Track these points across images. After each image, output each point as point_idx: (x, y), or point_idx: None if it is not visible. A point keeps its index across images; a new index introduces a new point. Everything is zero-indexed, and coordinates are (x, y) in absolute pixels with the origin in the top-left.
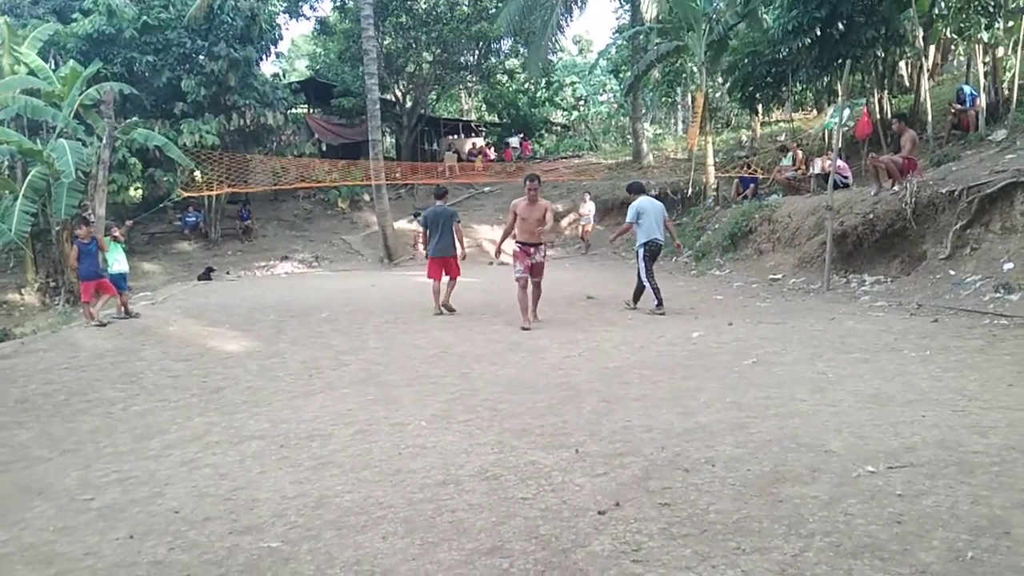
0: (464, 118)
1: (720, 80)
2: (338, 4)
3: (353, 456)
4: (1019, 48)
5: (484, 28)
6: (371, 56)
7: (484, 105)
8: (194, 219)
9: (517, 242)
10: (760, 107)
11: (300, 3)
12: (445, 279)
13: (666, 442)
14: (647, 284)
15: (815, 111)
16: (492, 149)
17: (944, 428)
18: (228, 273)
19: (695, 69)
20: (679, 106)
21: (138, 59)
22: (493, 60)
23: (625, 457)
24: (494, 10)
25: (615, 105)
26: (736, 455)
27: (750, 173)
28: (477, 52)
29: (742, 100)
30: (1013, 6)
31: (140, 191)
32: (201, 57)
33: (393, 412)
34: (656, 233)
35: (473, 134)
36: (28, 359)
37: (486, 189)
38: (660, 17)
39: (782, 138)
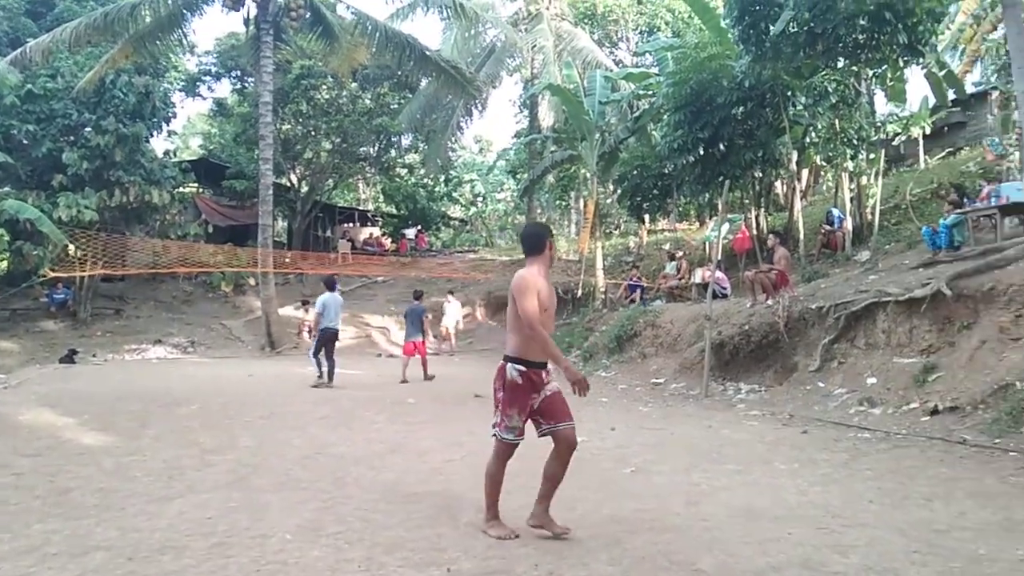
0: (360, 207)
1: (611, 188)
2: (237, 87)
3: (205, 574)
4: (879, 177)
5: (385, 122)
6: (267, 142)
7: (382, 195)
8: (63, 296)
9: (518, 362)
10: (647, 216)
11: (198, 83)
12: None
13: (541, 559)
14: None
15: (698, 223)
16: (388, 239)
17: (808, 547)
18: (94, 356)
19: (588, 176)
20: (572, 210)
21: (18, 127)
22: (393, 153)
23: None
24: (396, 106)
25: (512, 204)
26: (609, 574)
27: (637, 278)
28: (377, 144)
29: (631, 209)
30: (875, 139)
31: (5, 263)
32: (87, 130)
33: (257, 521)
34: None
35: (369, 223)
36: None
37: (379, 279)
38: (556, 126)
39: (667, 247)
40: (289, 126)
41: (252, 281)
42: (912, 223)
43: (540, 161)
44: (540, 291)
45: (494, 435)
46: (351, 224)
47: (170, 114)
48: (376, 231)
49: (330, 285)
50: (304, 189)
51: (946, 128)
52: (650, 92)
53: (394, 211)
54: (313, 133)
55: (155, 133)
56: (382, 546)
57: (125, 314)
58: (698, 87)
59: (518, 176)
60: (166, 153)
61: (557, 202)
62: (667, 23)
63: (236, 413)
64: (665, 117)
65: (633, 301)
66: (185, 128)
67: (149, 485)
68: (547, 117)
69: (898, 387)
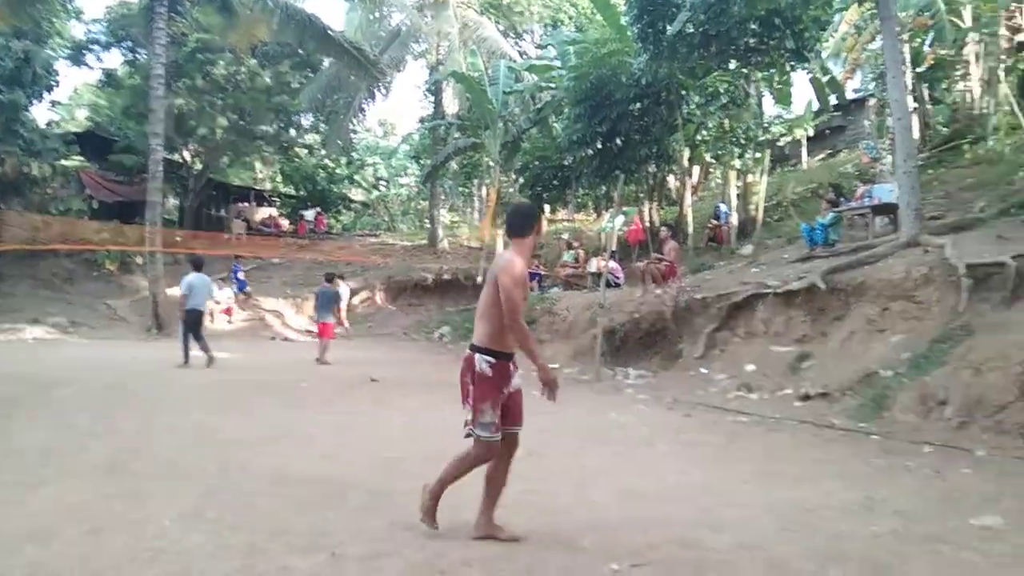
0: (257, 187)
1: (513, 177)
2: (128, 59)
3: (75, 561)
4: (764, 176)
5: (285, 101)
6: (158, 116)
7: (280, 176)
8: None
9: (488, 353)
10: (547, 206)
11: (85, 52)
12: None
13: (427, 542)
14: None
15: (595, 214)
16: (286, 221)
17: (685, 525)
18: None
19: (491, 165)
20: (475, 197)
21: None
22: (292, 133)
23: (383, 559)
24: (297, 85)
25: (415, 189)
26: (494, 554)
27: (535, 266)
28: (276, 123)
29: (532, 198)
30: (763, 139)
31: None
32: None
33: (134, 507)
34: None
35: (266, 203)
36: None
37: (275, 261)
38: (460, 113)
39: (565, 236)
40: (183, 101)
41: (139, 260)
42: (792, 220)
43: (444, 147)
44: (521, 272)
45: (468, 434)
46: (247, 204)
47: (52, 82)
48: (274, 212)
49: (197, 265)
50: (198, 166)
51: (827, 131)
52: (552, 85)
53: (292, 192)
54: (208, 109)
55: (35, 101)
56: (265, 532)
57: None
58: (598, 82)
59: (422, 161)
60: (49, 124)
61: (460, 189)
62: (571, 18)
63: (117, 396)
64: (566, 110)
65: (532, 288)
66: (71, 99)
67: (17, 469)
68: (452, 104)
69: (774, 374)
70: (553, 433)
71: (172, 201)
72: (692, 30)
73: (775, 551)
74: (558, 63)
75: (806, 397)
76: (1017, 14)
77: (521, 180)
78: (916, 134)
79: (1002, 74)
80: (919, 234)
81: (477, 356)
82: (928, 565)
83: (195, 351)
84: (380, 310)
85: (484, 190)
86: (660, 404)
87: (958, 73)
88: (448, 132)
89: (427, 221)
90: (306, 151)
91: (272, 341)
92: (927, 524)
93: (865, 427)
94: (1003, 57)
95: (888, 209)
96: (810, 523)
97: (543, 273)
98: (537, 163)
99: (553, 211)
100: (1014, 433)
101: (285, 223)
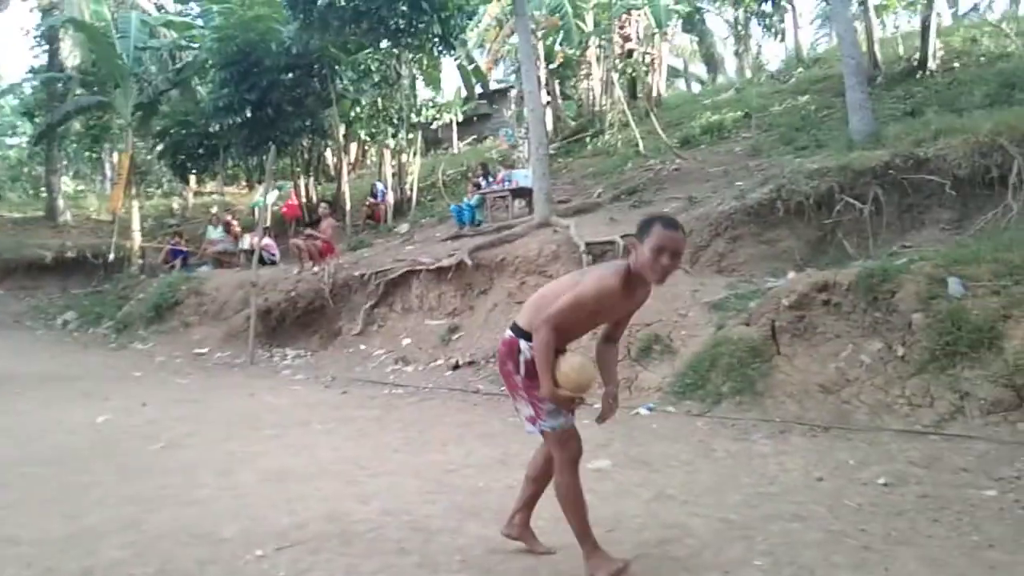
0: None
1: (152, 143)
2: None
3: None
4: (418, 156)
5: None
6: None
7: None
8: None
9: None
10: (193, 177)
11: None
12: None
13: (36, 556)
14: None
15: (247, 187)
16: None
17: (334, 500)
18: None
19: (123, 127)
20: (106, 164)
21: None
22: None
23: None
24: None
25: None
26: (120, 559)
27: (178, 243)
28: None
29: (174, 167)
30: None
31: None
32: None
33: None
34: None
35: None
36: None
37: None
38: (83, 67)
39: (214, 210)
40: None
41: None
42: (444, 200)
43: (63, 105)
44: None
45: (543, 430)
46: None
47: None
48: None
49: None
50: None
51: (475, 118)
52: (195, 44)
53: None
54: None
55: None
56: None
57: None
58: (245, 46)
59: (36, 119)
60: None
61: (87, 154)
62: None
63: None
64: (211, 73)
65: (174, 267)
66: None
67: None
68: (72, 56)
69: (428, 346)
70: (198, 422)
71: None
72: (344, 3)
73: (419, 512)
74: (200, 22)
75: (456, 366)
76: (627, 24)
77: (161, 147)
78: (549, 125)
79: (616, 76)
80: (550, 216)
81: (523, 342)
82: (549, 506)
83: None
84: None
85: (116, 156)
86: (318, 383)
87: (583, 72)
88: (69, 88)
89: (44, 190)
90: None
91: None
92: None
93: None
94: (617, 62)
95: (524, 193)
96: (453, 483)
97: (188, 251)
98: (179, 129)
99: (201, 182)
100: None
101: None
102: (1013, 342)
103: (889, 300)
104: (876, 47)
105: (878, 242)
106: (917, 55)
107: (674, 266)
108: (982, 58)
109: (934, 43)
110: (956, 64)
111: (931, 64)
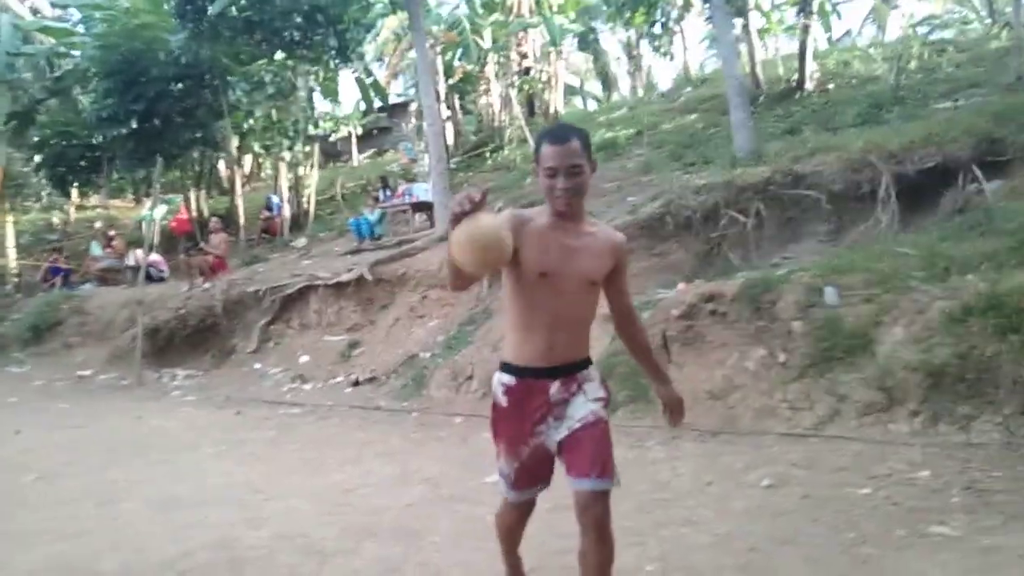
0: None
1: (29, 154)
2: None
3: None
4: (315, 169)
5: None
6: None
7: None
8: None
9: (510, 370)
10: (75, 190)
11: None
12: None
13: None
14: None
15: (134, 201)
16: None
17: (224, 526)
18: None
19: None
20: None
21: None
22: None
23: None
24: None
25: None
26: None
27: (57, 260)
28: None
29: (53, 180)
30: (312, 133)
31: None
32: None
33: None
34: None
35: None
36: None
37: None
38: None
39: (98, 224)
40: None
41: None
42: (343, 214)
43: None
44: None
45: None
46: None
47: None
48: None
49: None
50: None
51: (375, 131)
52: (75, 52)
53: None
54: None
55: None
56: None
57: None
58: (130, 55)
59: None
60: None
61: None
62: None
63: None
64: (94, 82)
65: (54, 285)
66: None
67: None
68: None
69: (327, 363)
70: (79, 450)
71: None
72: (236, 14)
73: (314, 535)
74: (81, 28)
75: (356, 383)
76: (524, 41)
77: (39, 158)
78: (450, 140)
79: (514, 93)
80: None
81: (495, 375)
82: (449, 523)
83: None
84: None
85: None
86: (210, 404)
87: (482, 88)
88: None
89: None
90: None
91: None
92: (451, 487)
93: (407, 406)
94: (515, 78)
95: (425, 207)
96: (350, 503)
97: (69, 268)
98: (60, 140)
99: (84, 196)
100: None
101: None
102: (884, 347)
103: (771, 309)
104: (759, 68)
105: (760, 254)
106: (796, 76)
107: (568, 186)
108: (854, 80)
109: (810, 65)
110: (831, 85)
111: (808, 85)
